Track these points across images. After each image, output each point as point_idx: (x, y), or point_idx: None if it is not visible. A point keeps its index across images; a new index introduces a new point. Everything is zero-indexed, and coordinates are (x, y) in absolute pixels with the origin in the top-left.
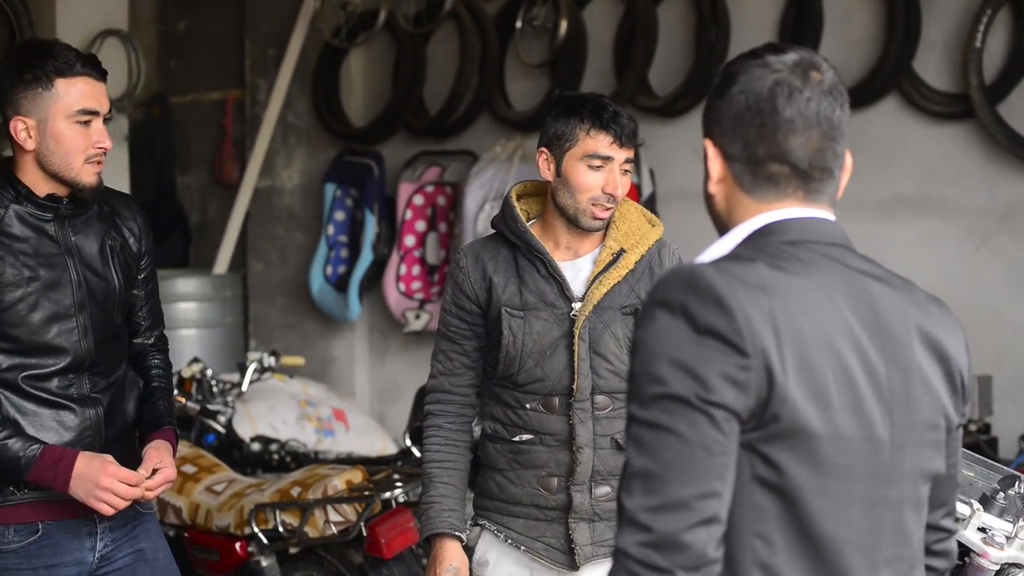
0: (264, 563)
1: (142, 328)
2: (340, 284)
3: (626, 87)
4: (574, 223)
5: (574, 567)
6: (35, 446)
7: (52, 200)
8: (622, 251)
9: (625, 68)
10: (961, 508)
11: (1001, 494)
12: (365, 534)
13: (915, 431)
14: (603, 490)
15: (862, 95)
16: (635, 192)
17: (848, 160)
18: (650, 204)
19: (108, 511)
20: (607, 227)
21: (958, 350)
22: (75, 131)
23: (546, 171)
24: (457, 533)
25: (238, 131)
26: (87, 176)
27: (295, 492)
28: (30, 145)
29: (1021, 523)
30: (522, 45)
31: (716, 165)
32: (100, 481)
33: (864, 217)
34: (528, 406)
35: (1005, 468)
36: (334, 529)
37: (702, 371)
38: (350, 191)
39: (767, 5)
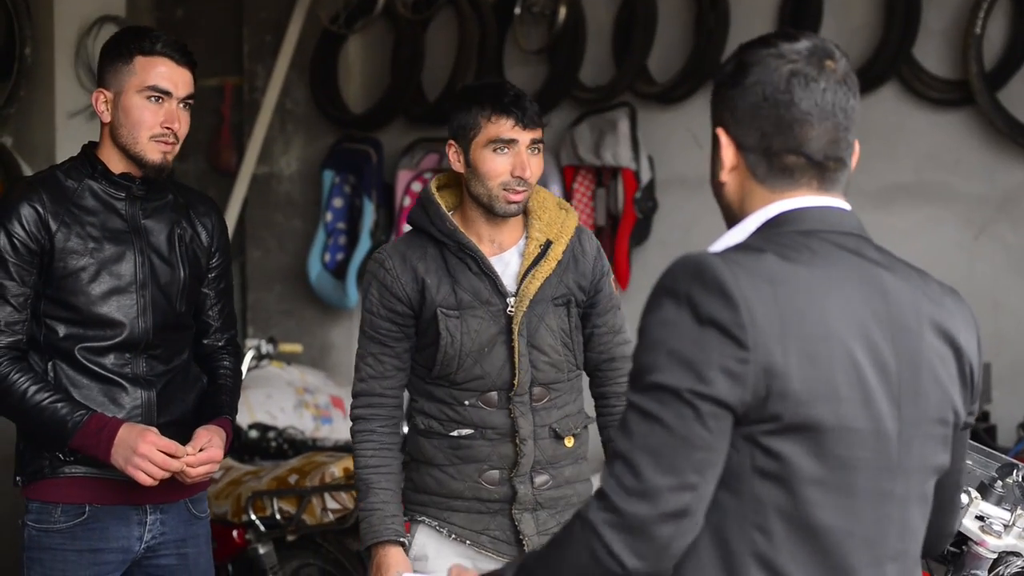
0: (261, 551)
1: (212, 328)
2: (338, 271)
3: (625, 74)
4: (490, 211)
5: None
6: (82, 411)
7: (126, 179)
8: (549, 242)
9: (624, 55)
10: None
11: (999, 482)
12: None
13: (923, 425)
14: (542, 478)
15: (861, 82)
16: (633, 178)
17: (856, 147)
18: (649, 190)
19: (145, 479)
20: (528, 218)
21: (970, 344)
22: (144, 106)
23: (456, 163)
24: (401, 540)
25: (236, 118)
26: (152, 153)
27: (292, 480)
28: (106, 117)
29: (1019, 511)
30: (521, 32)
31: (729, 154)
32: (138, 447)
33: (863, 204)
34: (467, 402)
35: (1003, 456)
36: (331, 517)
37: (699, 363)
38: (348, 178)
39: None
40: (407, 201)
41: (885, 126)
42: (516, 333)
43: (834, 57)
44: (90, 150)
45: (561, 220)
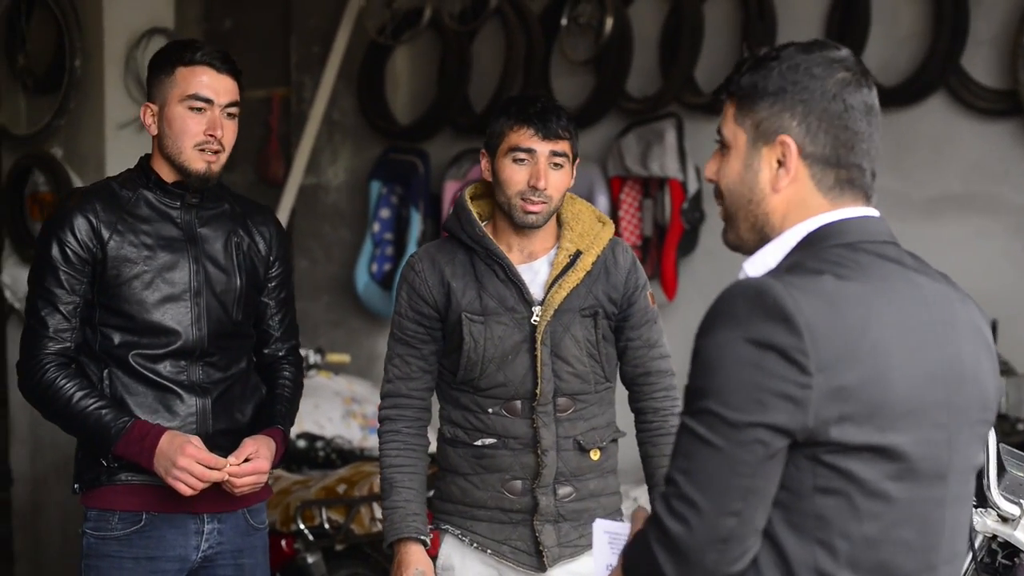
0: (310, 560)
1: (273, 338)
2: (385, 281)
3: (672, 84)
4: (511, 220)
5: (542, 568)
6: (126, 418)
7: (179, 187)
8: (579, 252)
9: (671, 65)
10: (1010, 508)
11: None
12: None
13: (968, 427)
14: (565, 490)
15: (909, 92)
16: (680, 189)
17: None
18: (696, 201)
19: (185, 491)
20: (561, 228)
21: (992, 342)
22: (186, 116)
23: (486, 172)
24: (422, 537)
25: (284, 129)
26: (196, 162)
27: (341, 489)
28: (153, 130)
29: None
30: (567, 42)
31: (794, 163)
32: (178, 460)
33: (911, 215)
34: (490, 410)
35: None
36: (380, 526)
37: (756, 389)
38: (395, 188)
39: (814, 2)
40: None
41: (933, 136)
42: (539, 342)
43: (863, 64)
44: (145, 161)
45: (596, 232)
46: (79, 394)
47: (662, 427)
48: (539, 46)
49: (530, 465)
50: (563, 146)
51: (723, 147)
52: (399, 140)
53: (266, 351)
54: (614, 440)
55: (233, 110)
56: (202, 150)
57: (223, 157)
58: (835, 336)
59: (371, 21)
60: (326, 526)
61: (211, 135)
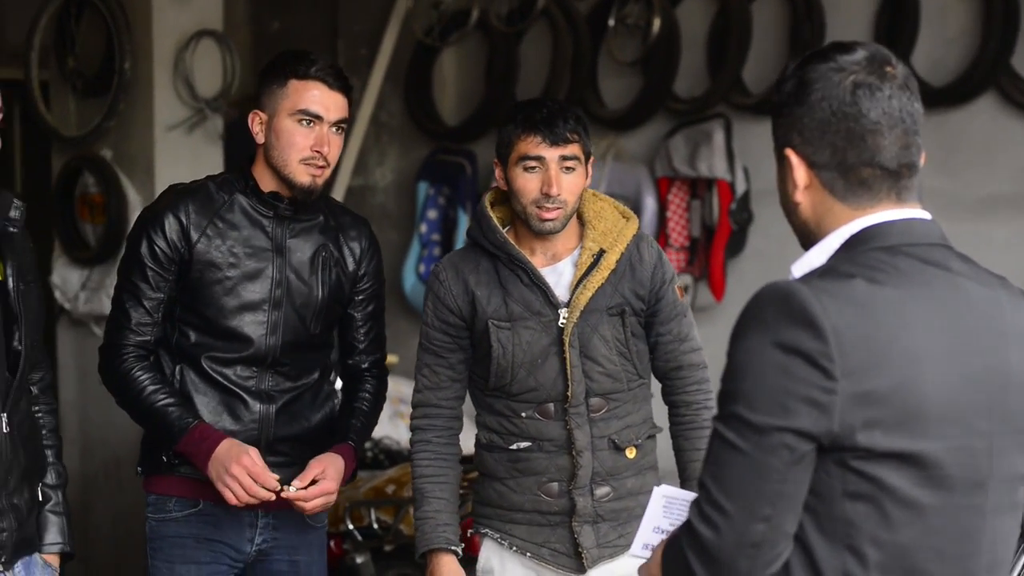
0: (359, 560)
1: (358, 350)
2: None
3: (720, 85)
4: (528, 227)
5: (582, 570)
6: (190, 418)
7: (274, 198)
8: (602, 251)
9: (719, 66)
10: None
11: None
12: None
13: (1011, 436)
14: (603, 491)
15: (959, 93)
16: (728, 190)
17: (923, 152)
18: (744, 202)
19: (232, 499)
20: (584, 228)
21: None
22: (295, 130)
23: (500, 181)
24: (453, 548)
25: None
26: (301, 176)
27: (390, 490)
28: (260, 139)
29: None
30: (615, 43)
31: (801, 173)
32: (231, 467)
33: (962, 216)
34: (524, 414)
35: None
36: None
37: (782, 394)
38: (443, 189)
39: (863, 2)
40: None
41: (983, 137)
42: (567, 344)
43: (892, 63)
44: (246, 165)
45: (619, 229)
46: (151, 387)
47: (694, 420)
48: (586, 47)
49: (566, 467)
50: (572, 149)
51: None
52: (446, 141)
53: (350, 362)
54: (651, 436)
55: (342, 126)
56: (308, 164)
57: (327, 172)
58: (863, 341)
59: (418, 23)
60: (375, 526)
61: (318, 151)
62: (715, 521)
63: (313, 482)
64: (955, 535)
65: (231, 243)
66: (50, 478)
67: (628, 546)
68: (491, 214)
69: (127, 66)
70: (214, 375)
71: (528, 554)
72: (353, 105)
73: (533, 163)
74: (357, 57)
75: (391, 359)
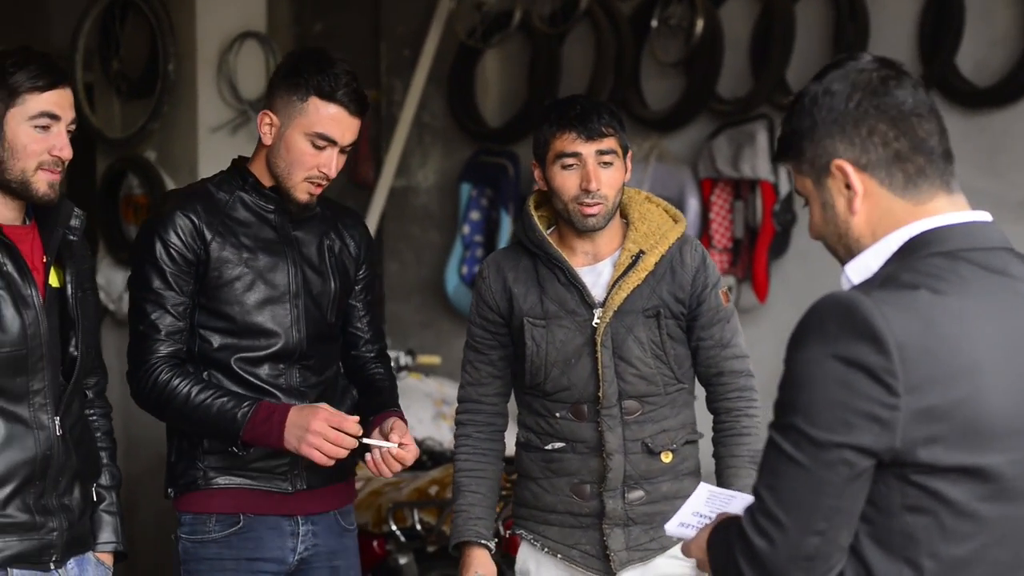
0: (402, 561)
1: (362, 340)
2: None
3: (763, 85)
4: (572, 225)
5: (610, 573)
6: (248, 402)
7: (276, 192)
8: (641, 252)
9: (762, 66)
10: None
11: None
12: (502, 533)
13: None
14: (636, 494)
15: (1004, 93)
16: (771, 191)
17: None
18: (788, 203)
19: (320, 458)
20: (627, 228)
21: None
22: (306, 149)
23: (540, 182)
24: (483, 541)
25: (374, 131)
26: (301, 193)
27: (433, 491)
28: (267, 140)
29: None
30: (658, 44)
31: (857, 180)
32: (310, 426)
33: (1007, 217)
34: (558, 414)
35: None
36: None
37: (842, 409)
38: (485, 191)
39: (907, 2)
40: None
41: None
42: (599, 344)
43: (898, 62)
44: (241, 163)
45: (663, 231)
46: (195, 388)
47: (733, 427)
48: (629, 48)
49: (597, 469)
50: (609, 143)
51: (806, 204)
52: (489, 142)
53: (355, 353)
54: (690, 442)
55: (349, 148)
56: (310, 182)
57: (326, 185)
58: (927, 355)
59: (461, 24)
60: (418, 527)
61: (323, 172)
62: (770, 533)
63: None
64: (1014, 547)
65: (243, 239)
66: (104, 479)
67: (660, 549)
68: (533, 213)
69: (171, 68)
70: (246, 376)
71: (559, 555)
72: (395, 106)
73: (571, 160)
74: (400, 58)
75: (432, 360)
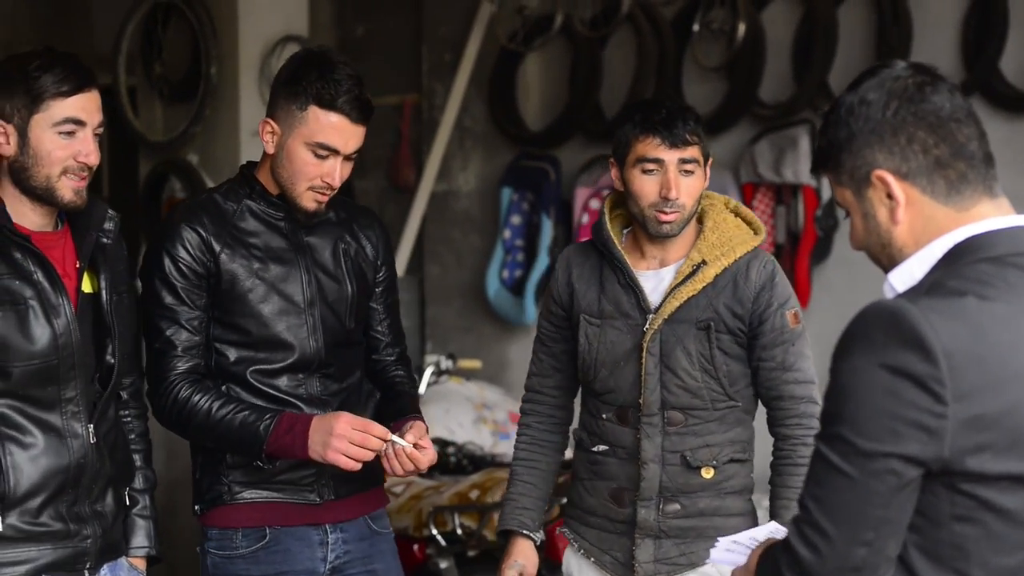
0: (442, 565)
1: (383, 344)
2: (516, 288)
3: (805, 90)
4: (645, 230)
5: None
6: (270, 414)
7: (284, 199)
8: (704, 263)
9: (804, 71)
10: None
11: None
12: (543, 537)
13: None
14: (673, 507)
15: None
16: (813, 196)
17: None
18: (830, 208)
19: (347, 463)
20: (699, 235)
21: None
22: (308, 159)
23: (617, 182)
24: (525, 531)
25: (415, 135)
26: (307, 201)
27: (474, 495)
28: (269, 149)
29: None
30: (699, 48)
31: (899, 189)
32: (334, 431)
33: None
34: (604, 416)
35: None
36: None
37: (890, 419)
38: (526, 195)
39: (950, 6)
40: (585, 218)
41: None
42: (645, 350)
43: (931, 66)
44: (248, 171)
45: (734, 243)
46: (216, 403)
47: (790, 456)
48: (671, 52)
49: (634, 476)
50: (692, 152)
51: (847, 215)
52: (530, 146)
53: (375, 357)
54: (737, 461)
55: (355, 155)
56: (315, 191)
57: (332, 193)
58: (975, 363)
59: (502, 28)
60: (459, 531)
61: (327, 182)
62: (816, 544)
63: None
64: None
65: (253, 250)
66: (137, 482)
67: (690, 565)
68: (607, 212)
69: (213, 72)
70: (265, 388)
71: (592, 559)
72: (437, 110)
73: (652, 165)
74: (441, 62)
75: (473, 364)
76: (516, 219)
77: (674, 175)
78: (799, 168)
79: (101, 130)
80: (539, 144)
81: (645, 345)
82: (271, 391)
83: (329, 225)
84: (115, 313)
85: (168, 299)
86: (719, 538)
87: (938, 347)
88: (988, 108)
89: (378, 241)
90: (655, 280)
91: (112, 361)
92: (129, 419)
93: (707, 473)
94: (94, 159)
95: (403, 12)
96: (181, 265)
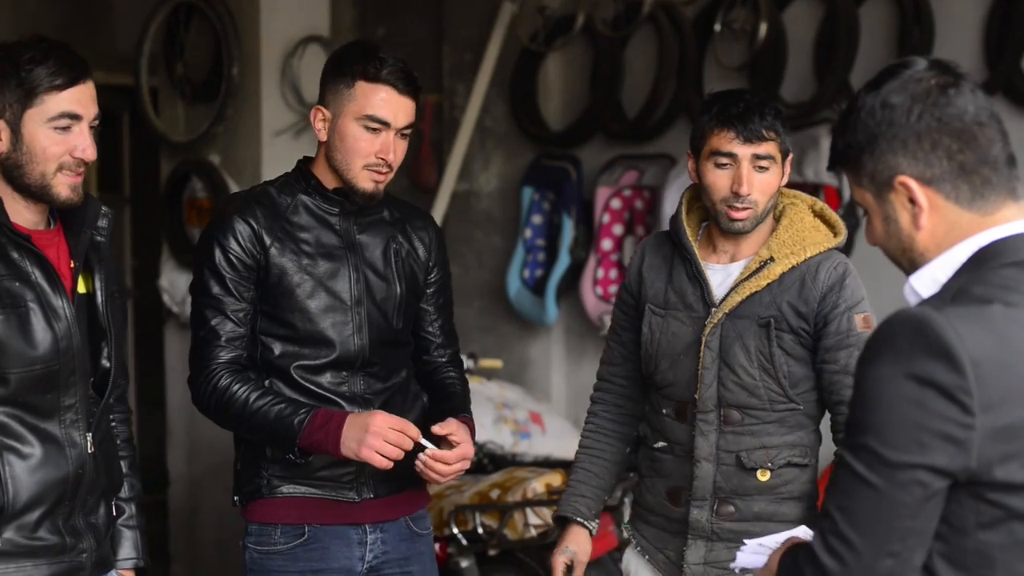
0: (463, 564)
1: (434, 345)
2: (537, 287)
3: (827, 90)
4: (717, 225)
5: None
6: (306, 409)
7: (339, 194)
8: (771, 259)
9: (826, 71)
10: None
11: None
12: (598, 525)
13: None
14: (727, 509)
15: None
16: (835, 196)
17: None
18: (851, 207)
19: (380, 461)
20: (773, 231)
21: None
22: (360, 135)
23: (692, 174)
24: (580, 519)
25: (436, 135)
26: (364, 182)
27: (494, 494)
28: (322, 136)
29: None
30: (721, 48)
31: (922, 195)
32: (370, 426)
33: None
34: (664, 411)
35: None
36: (533, 532)
37: (917, 429)
38: (547, 195)
39: (972, 5)
40: (606, 218)
41: None
42: (704, 344)
43: (953, 64)
44: (304, 165)
45: (807, 242)
46: (254, 395)
47: None
48: (692, 52)
49: (688, 475)
50: (767, 147)
51: (864, 213)
52: (551, 146)
53: (426, 358)
54: (795, 465)
55: (407, 131)
56: (371, 170)
57: (390, 176)
58: (1002, 372)
59: (523, 28)
60: (480, 531)
61: (382, 158)
62: (841, 554)
63: (443, 443)
64: None
65: (303, 245)
66: (124, 491)
67: (742, 572)
68: (684, 202)
69: (235, 72)
70: (307, 384)
71: (647, 557)
72: (458, 110)
73: (725, 160)
74: (462, 62)
75: (494, 363)
76: (537, 219)
77: (747, 171)
78: (820, 168)
79: (97, 122)
80: (560, 144)
81: (704, 339)
82: (313, 387)
83: (382, 224)
84: (111, 315)
85: (216, 289)
86: (745, 541)
87: (965, 357)
88: (1010, 108)
89: (431, 242)
90: (723, 274)
91: (107, 365)
92: (115, 423)
93: (762, 476)
94: (91, 154)
95: (424, 13)
96: (231, 256)
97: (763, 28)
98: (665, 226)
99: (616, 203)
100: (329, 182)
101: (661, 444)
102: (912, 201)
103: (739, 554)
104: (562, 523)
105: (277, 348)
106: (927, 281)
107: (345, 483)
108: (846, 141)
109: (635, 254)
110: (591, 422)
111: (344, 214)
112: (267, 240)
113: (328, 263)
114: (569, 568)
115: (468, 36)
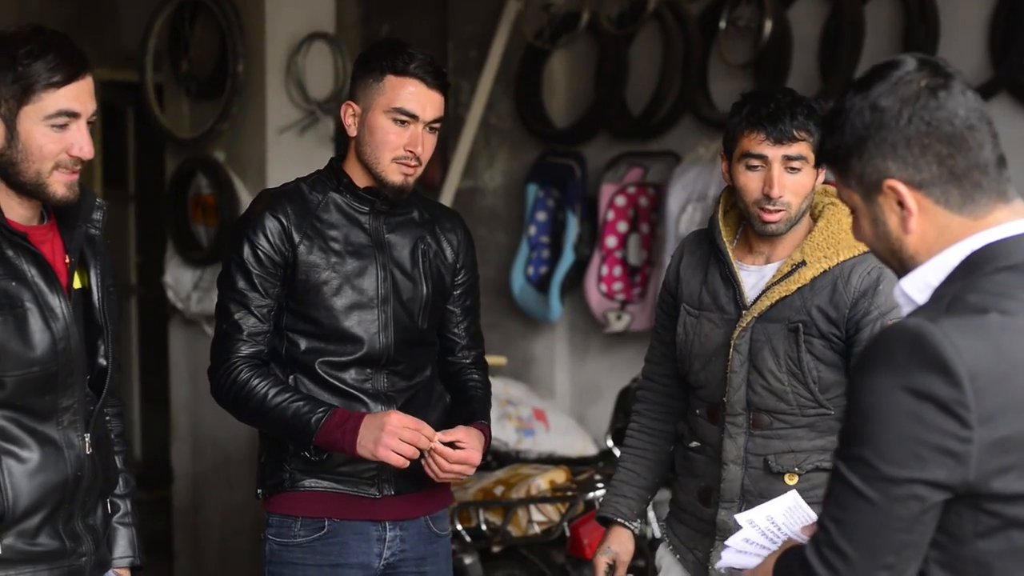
0: (467, 561)
1: (459, 346)
2: (541, 284)
3: (832, 88)
4: (751, 226)
5: None
6: (324, 407)
7: (370, 193)
8: (803, 263)
9: (831, 68)
10: None
11: None
12: (568, 534)
13: None
14: None
15: None
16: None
17: None
18: None
19: (396, 459)
20: (808, 235)
21: None
22: (389, 128)
23: (725, 176)
24: (621, 520)
25: (441, 132)
26: (393, 175)
27: (498, 491)
28: (352, 131)
29: None
30: (726, 45)
31: (912, 200)
32: (386, 425)
33: None
34: (698, 411)
35: None
36: (537, 529)
37: (914, 444)
38: (552, 192)
39: (977, 4)
40: (610, 215)
41: None
42: (732, 347)
43: (942, 62)
44: (336, 163)
45: (841, 245)
46: (273, 391)
47: None
48: (697, 49)
49: (717, 476)
50: (799, 148)
51: (852, 212)
52: (556, 143)
53: (451, 359)
54: (824, 469)
55: (436, 125)
56: (400, 164)
57: (420, 170)
58: (1000, 384)
59: (528, 25)
60: (483, 527)
61: (411, 151)
62: (836, 566)
63: (452, 445)
64: None
65: (332, 243)
66: (119, 488)
67: None
68: (721, 203)
69: (240, 69)
70: (331, 380)
71: (678, 556)
72: (463, 107)
73: (756, 162)
74: (467, 59)
75: (498, 360)
76: (542, 216)
77: (778, 173)
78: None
79: (95, 118)
80: (565, 141)
81: (733, 342)
82: (338, 383)
83: (411, 224)
84: (107, 312)
85: (241, 284)
86: (728, 543)
87: (962, 370)
88: (1015, 106)
89: (459, 244)
90: (757, 276)
91: (104, 363)
92: (109, 418)
93: (790, 479)
94: (88, 152)
95: (429, 9)
96: (260, 252)
97: (768, 25)
98: (668, 224)
99: (620, 200)
100: (360, 180)
101: (695, 444)
102: (901, 205)
103: (724, 554)
104: (605, 523)
105: (303, 343)
106: (919, 285)
107: (366, 479)
108: (834, 142)
109: (675, 252)
110: (635, 421)
111: (374, 213)
112: (296, 237)
113: (356, 261)
114: (611, 568)
115: (473, 33)
